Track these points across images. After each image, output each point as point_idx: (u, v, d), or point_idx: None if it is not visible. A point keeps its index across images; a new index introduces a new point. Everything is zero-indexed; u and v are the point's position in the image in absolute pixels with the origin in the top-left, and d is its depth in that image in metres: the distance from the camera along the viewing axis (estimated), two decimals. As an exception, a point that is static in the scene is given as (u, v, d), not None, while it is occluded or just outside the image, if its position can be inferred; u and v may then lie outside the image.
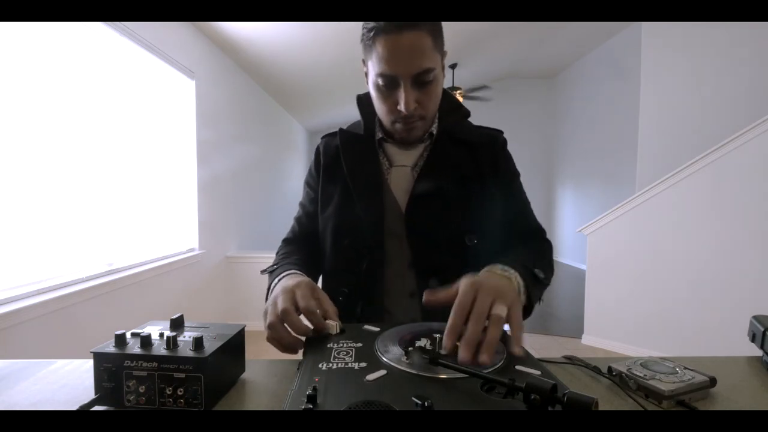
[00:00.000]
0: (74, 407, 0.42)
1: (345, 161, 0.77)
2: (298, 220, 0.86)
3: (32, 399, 0.47)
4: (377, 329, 0.54)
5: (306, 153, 7.53)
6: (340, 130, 0.82)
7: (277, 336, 0.53)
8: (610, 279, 2.95)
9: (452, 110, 0.81)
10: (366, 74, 0.72)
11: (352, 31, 3.22)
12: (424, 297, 0.54)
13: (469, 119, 0.82)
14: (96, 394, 0.43)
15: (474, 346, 0.44)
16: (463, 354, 0.44)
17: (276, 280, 0.64)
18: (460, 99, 5.07)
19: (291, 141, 6.35)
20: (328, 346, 0.48)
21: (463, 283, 0.51)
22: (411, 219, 0.72)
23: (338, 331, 0.52)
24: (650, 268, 2.76)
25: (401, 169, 0.76)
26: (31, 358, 0.58)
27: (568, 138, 6.88)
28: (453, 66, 5.52)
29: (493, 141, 0.80)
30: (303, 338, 0.53)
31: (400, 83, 0.65)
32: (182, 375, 0.41)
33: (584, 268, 3.09)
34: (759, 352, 0.57)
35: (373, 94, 0.71)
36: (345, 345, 0.49)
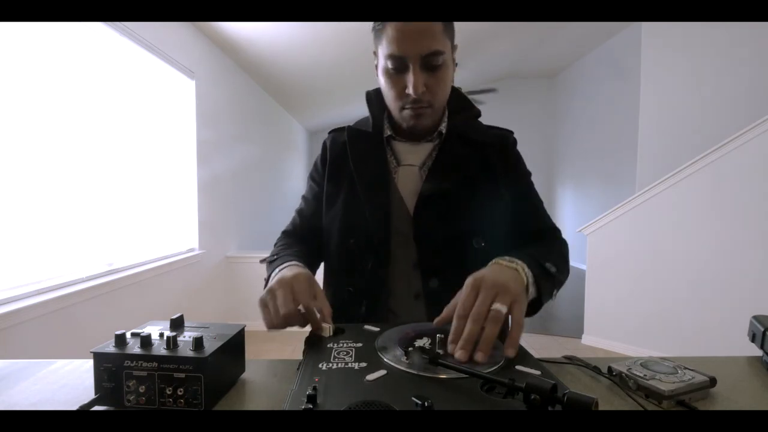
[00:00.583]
0: (74, 407, 0.42)
1: (352, 158, 0.76)
2: (299, 212, 0.85)
3: (32, 399, 0.47)
4: (377, 329, 0.54)
5: (306, 153, 7.52)
6: (348, 126, 0.81)
7: (268, 310, 0.55)
8: (610, 279, 2.95)
9: (463, 109, 0.80)
10: (376, 66, 0.72)
11: (352, 31, 3.22)
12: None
13: None
14: (96, 394, 0.43)
15: (471, 344, 0.44)
16: (459, 353, 0.44)
17: (277, 270, 0.64)
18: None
19: (291, 141, 6.35)
20: (328, 346, 0.49)
21: (465, 284, 0.50)
22: (419, 220, 0.71)
23: (331, 333, 0.52)
24: (650, 268, 2.76)
25: (409, 169, 0.75)
26: (31, 358, 0.58)
27: (568, 138, 6.87)
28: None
29: (504, 141, 0.79)
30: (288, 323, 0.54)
31: (409, 66, 0.64)
32: (182, 375, 0.41)
33: (584, 268, 3.09)
34: (759, 352, 0.57)
35: (382, 80, 0.70)
36: (345, 345, 0.49)
